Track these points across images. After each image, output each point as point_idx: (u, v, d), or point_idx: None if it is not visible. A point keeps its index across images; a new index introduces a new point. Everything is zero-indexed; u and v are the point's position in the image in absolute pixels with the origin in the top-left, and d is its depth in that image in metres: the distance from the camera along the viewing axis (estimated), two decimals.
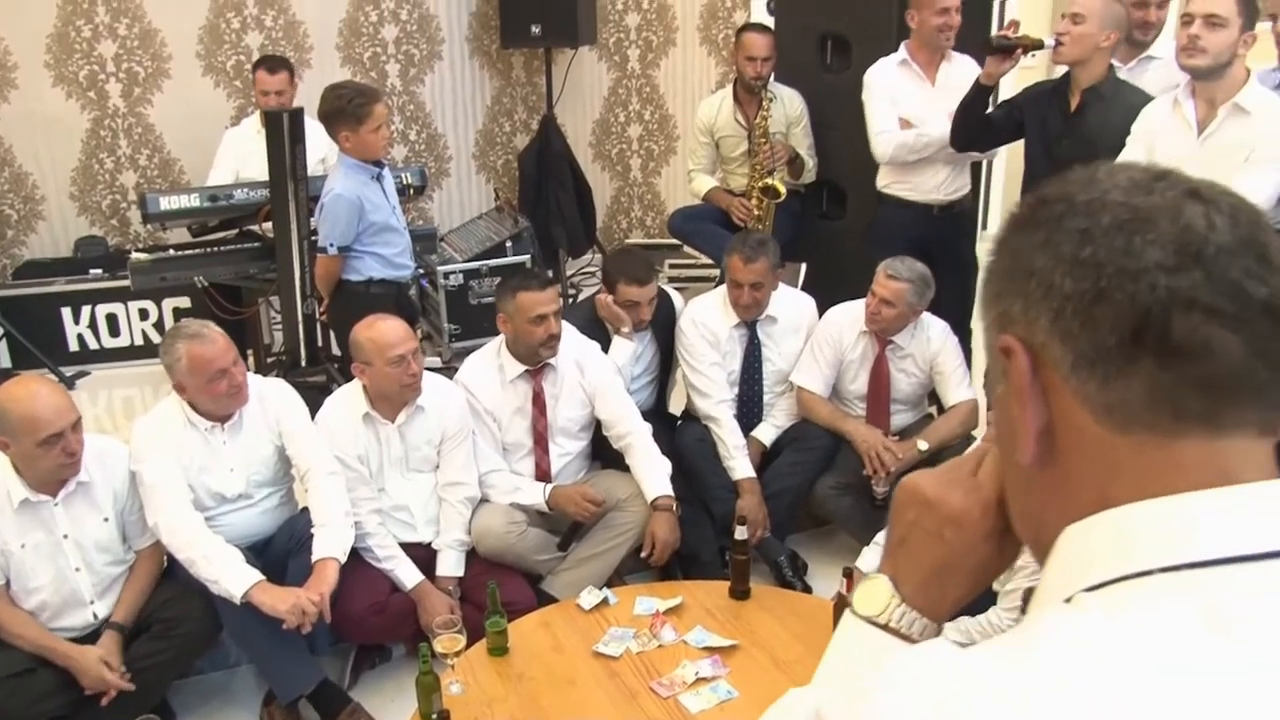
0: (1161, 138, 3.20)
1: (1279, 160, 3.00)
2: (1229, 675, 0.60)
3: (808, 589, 3.69)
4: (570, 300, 5.84)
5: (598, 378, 3.60)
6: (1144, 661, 0.61)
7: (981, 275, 0.80)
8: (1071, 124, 3.63)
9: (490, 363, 3.59)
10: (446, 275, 5.05)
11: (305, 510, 3.25)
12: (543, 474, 3.58)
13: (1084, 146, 3.47)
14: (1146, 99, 3.53)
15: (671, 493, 3.47)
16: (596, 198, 6.59)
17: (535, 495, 3.51)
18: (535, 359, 3.50)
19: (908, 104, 4.21)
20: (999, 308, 0.75)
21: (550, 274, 5.70)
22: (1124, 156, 3.28)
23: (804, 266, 4.95)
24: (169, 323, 5.21)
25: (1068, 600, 0.68)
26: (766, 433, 3.92)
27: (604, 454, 3.76)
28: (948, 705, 0.62)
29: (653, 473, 3.50)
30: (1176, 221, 0.68)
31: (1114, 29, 3.55)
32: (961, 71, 4.16)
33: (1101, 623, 0.64)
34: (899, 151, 4.18)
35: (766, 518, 3.70)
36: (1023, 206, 0.76)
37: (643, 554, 3.42)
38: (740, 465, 3.76)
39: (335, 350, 4.47)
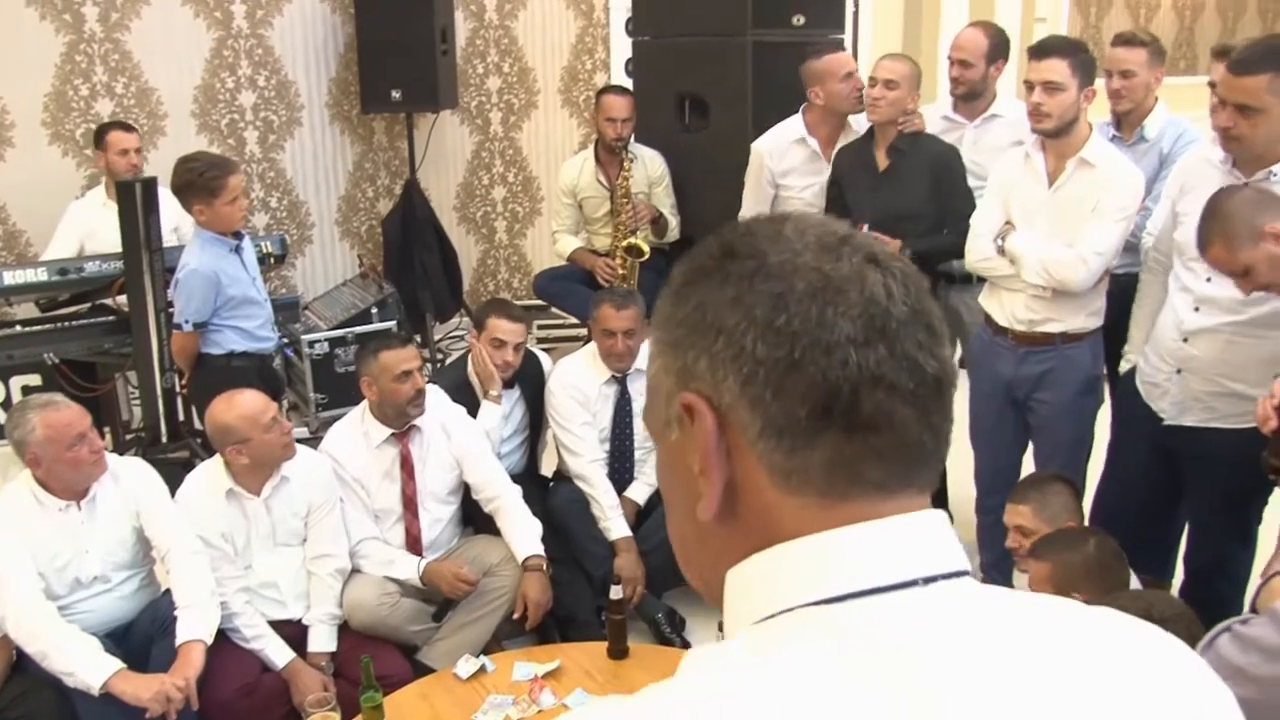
0: (1016, 189, 3.37)
1: (1123, 211, 3.18)
2: (853, 706, 0.63)
3: (686, 644, 3.70)
4: (438, 365, 5.80)
5: (465, 441, 3.58)
6: (775, 691, 0.64)
7: (657, 316, 0.78)
8: (883, 181, 3.86)
9: (355, 429, 3.54)
10: (311, 344, 4.98)
11: (168, 592, 3.13)
12: (413, 540, 3.53)
13: (899, 198, 3.75)
14: (945, 146, 3.84)
15: (542, 553, 3.46)
16: (462, 261, 6.58)
17: (409, 570, 3.45)
18: (403, 419, 3.47)
19: (795, 184, 4.24)
20: (680, 359, 0.74)
21: (418, 339, 5.67)
22: (982, 206, 3.48)
23: None
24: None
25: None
26: (639, 491, 3.94)
27: (476, 519, 3.73)
28: None
29: (523, 534, 3.48)
30: (863, 292, 0.70)
31: (917, 89, 3.85)
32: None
33: (740, 653, 0.68)
34: None
35: (643, 576, 3.71)
36: (707, 255, 0.75)
37: (514, 616, 3.39)
38: (615, 525, 3.77)
39: (198, 425, 4.35)
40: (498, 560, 3.48)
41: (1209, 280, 2.89)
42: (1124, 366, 3.38)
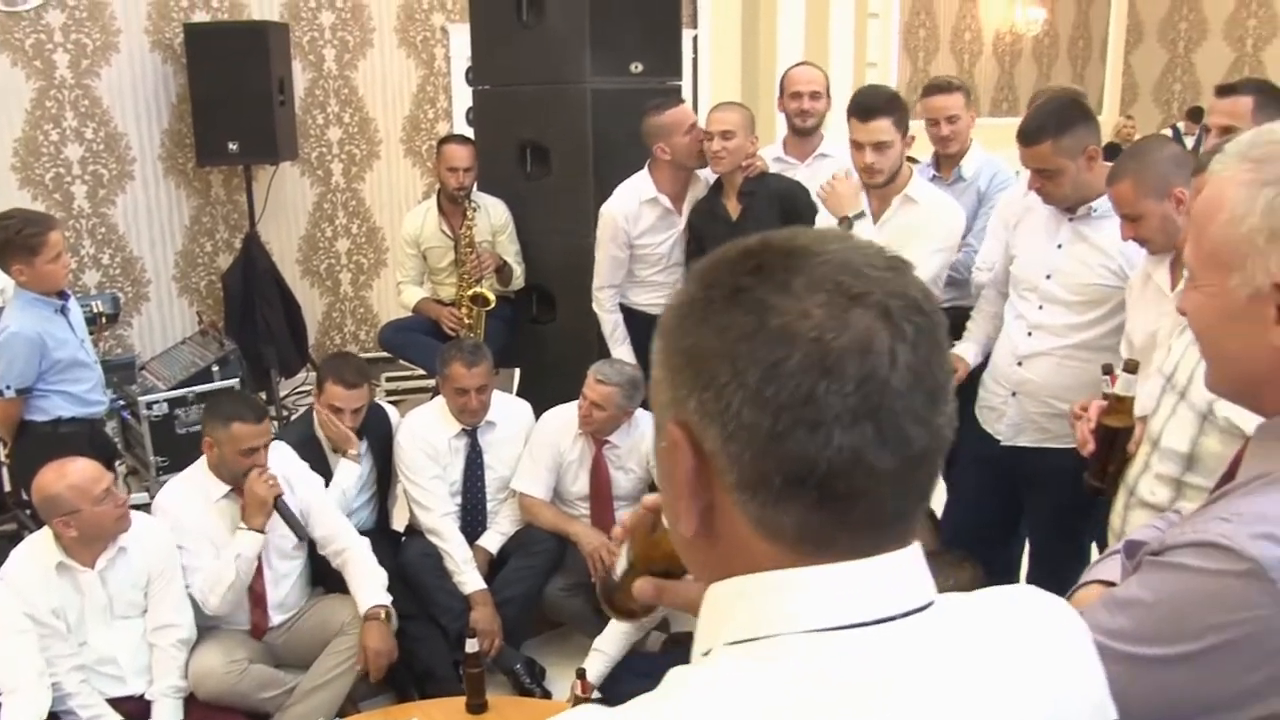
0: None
1: (943, 245, 3.35)
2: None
3: (547, 694, 3.68)
4: (283, 420, 5.66)
5: (308, 495, 3.50)
6: (763, 707, 0.68)
7: (664, 325, 0.78)
8: (738, 229, 3.92)
9: (194, 485, 3.43)
10: (150, 405, 4.80)
11: None
12: (258, 598, 3.42)
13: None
14: (791, 182, 3.98)
15: (386, 603, 3.40)
16: (307, 314, 6.47)
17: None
18: (239, 480, 3.37)
19: (652, 243, 4.24)
20: (674, 389, 0.75)
21: (263, 395, 5.53)
22: None
23: (518, 372, 5.01)
24: None
25: (706, 653, 0.75)
26: (492, 541, 3.92)
27: (327, 579, 3.64)
28: None
29: (366, 585, 3.42)
30: (863, 364, 0.69)
31: (753, 133, 3.96)
32: (706, 185, 4.30)
33: (732, 671, 0.71)
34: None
35: (500, 628, 3.68)
36: (718, 285, 0.74)
37: (358, 669, 3.32)
38: (470, 578, 3.74)
39: (25, 496, 4.14)
40: (348, 619, 3.40)
41: (1041, 308, 3.07)
42: (957, 350, 3.45)
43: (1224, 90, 3.46)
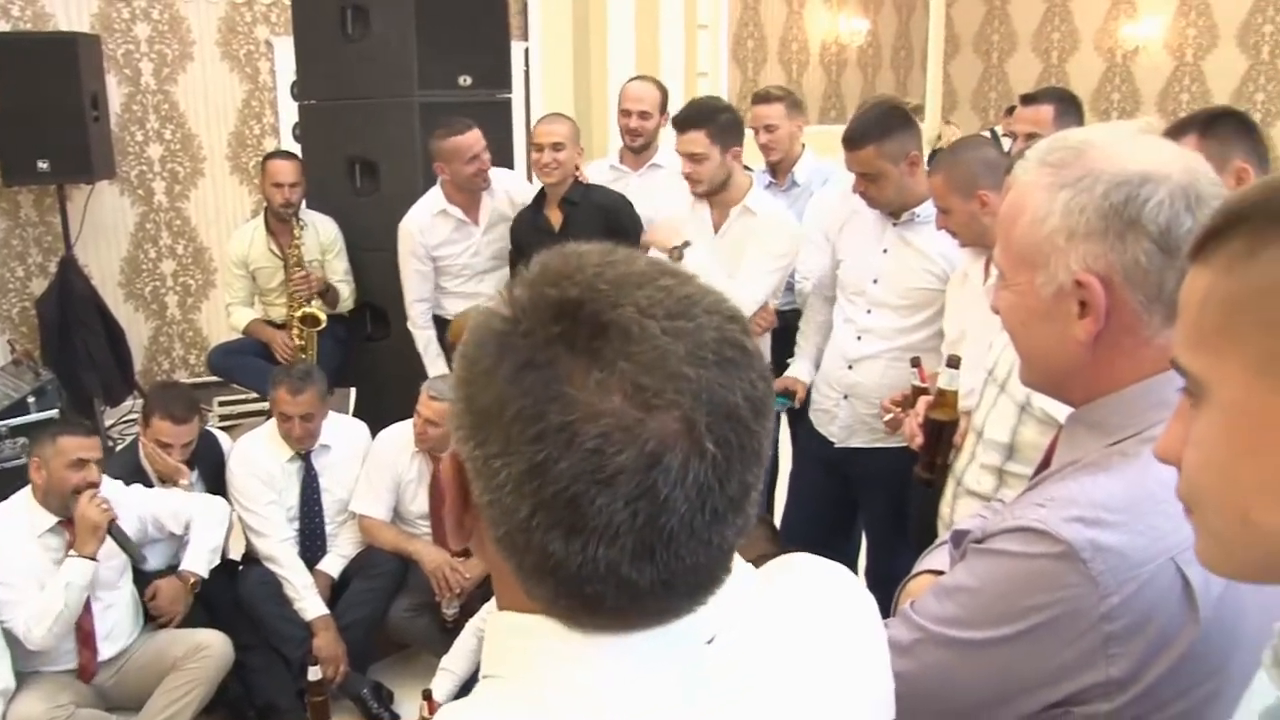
0: (690, 236, 3.55)
1: (780, 259, 3.42)
2: None
3: (395, 718, 3.62)
4: (109, 450, 5.42)
5: (145, 504, 3.40)
6: None
7: (458, 351, 0.73)
8: (561, 239, 3.93)
9: (15, 519, 3.24)
10: None
11: None
12: (85, 634, 3.24)
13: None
14: (615, 196, 4.02)
15: (200, 571, 3.41)
16: (132, 339, 6.19)
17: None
18: (67, 510, 3.21)
19: (451, 255, 4.29)
20: (453, 418, 0.71)
21: (89, 424, 5.28)
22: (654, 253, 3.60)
23: (354, 391, 4.91)
24: None
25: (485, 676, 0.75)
26: (333, 564, 3.83)
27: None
28: None
29: (193, 549, 3.43)
30: (644, 480, 0.64)
31: (579, 145, 4.01)
32: (506, 195, 4.34)
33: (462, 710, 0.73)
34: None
35: (344, 653, 3.60)
36: (522, 343, 0.67)
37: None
38: (310, 604, 3.64)
39: None
40: (181, 653, 3.28)
41: (869, 312, 3.17)
42: (791, 372, 3.54)
43: (1027, 99, 3.65)
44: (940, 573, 1.35)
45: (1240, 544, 0.74)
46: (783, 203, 4.16)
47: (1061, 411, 2.01)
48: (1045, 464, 1.33)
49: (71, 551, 3.14)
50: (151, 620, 3.49)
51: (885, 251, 3.15)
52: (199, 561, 3.38)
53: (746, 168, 3.75)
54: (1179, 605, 1.05)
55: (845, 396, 3.26)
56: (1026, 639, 1.08)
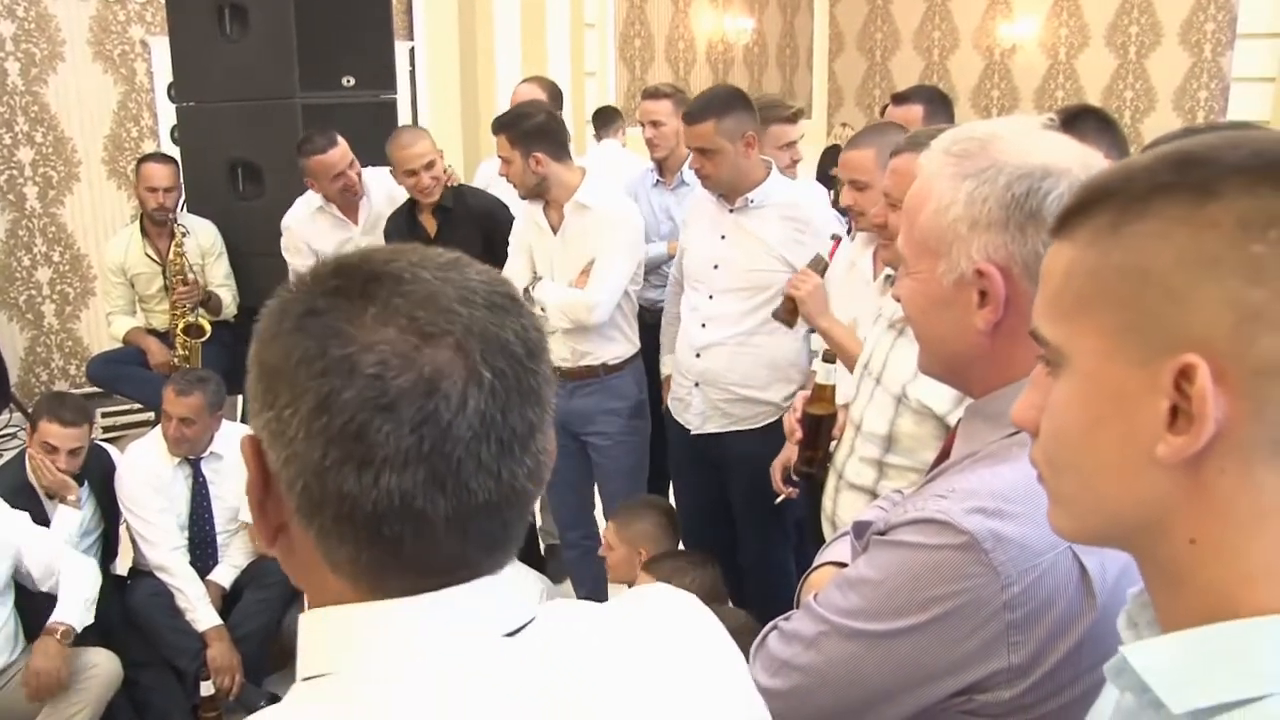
0: (534, 242, 3.57)
1: (623, 246, 3.43)
2: None
3: None
4: None
5: (14, 530, 3.25)
6: None
7: (252, 342, 0.74)
8: (437, 244, 3.90)
9: None
10: None
11: None
12: None
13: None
14: (491, 201, 4.01)
15: (70, 622, 3.17)
16: (7, 351, 5.96)
17: None
18: None
19: (333, 248, 4.21)
20: (250, 395, 0.72)
21: None
22: (508, 265, 3.60)
23: (241, 399, 4.81)
24: None
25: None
26: (225, 574, 3.74)
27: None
28: None
29: (64, 600, 3.20)
30: (424, 407, 0.67)
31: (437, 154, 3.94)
32: (385, 195, 4.27)
33: (291, 712, 0.72)
34: None
35: (239, 664, 3.53)
36: (297, 303, 0.71)
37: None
38: (204, 614, 3.56)
39: None
40: (70, 672, 3.18)
41: (711, 298, 3.24)
42: (664, 370, 3.62)
43: (898, 99, 3.73)
44: (842, 565, 1.35)
45: (1086, 509, 0.78)
46: (670, 201, 4.21)
47: (938, 402, 2.09)
48: (945, 455, 1.34)
49: None
50: (32, 640, 3.38)
51: (723, 238, 3.23)
52: (72, 612, 3.19)
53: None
54: (1076, 592, 1.07)
55: (696, 384, 3.33)
56: (931, 629, 1.10)
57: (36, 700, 3.12)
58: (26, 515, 3.35)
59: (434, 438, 0.67)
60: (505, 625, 0.74)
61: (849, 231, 3.00)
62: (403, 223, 4.06)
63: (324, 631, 0.73)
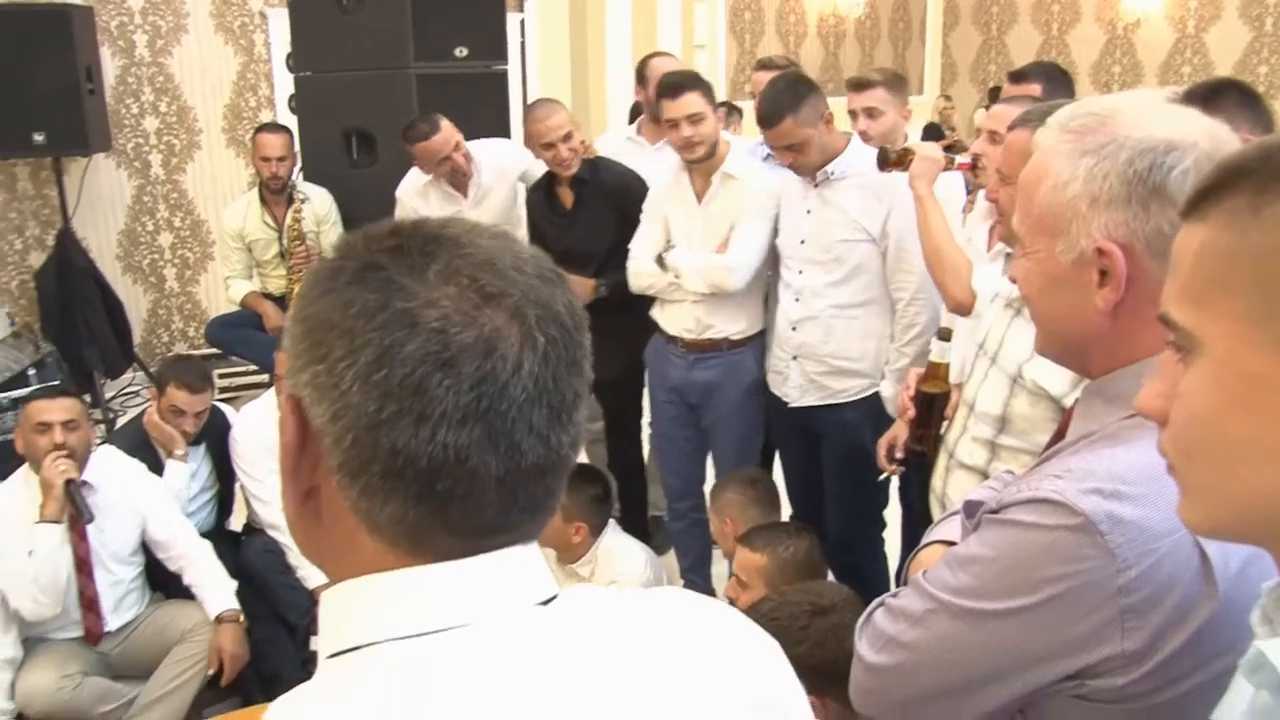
0: (670, 210, 3.58)
1: (762, 213, 3.42)
2: None
3: None
4: (111, 424, 5.44)
5: (147, 495, 3.39)
6: None
7: (293, 301, 0.75)
8: (571, 219, 3.98)
9: (15, 494, 3.26)
10: None
11: None
12: (89, 602, 3.26)
13: (589, 235, 3.87)
14: (627, 175, 3.97)
15: (236, 606, 3.34)
16: (131, 312, 6.21)
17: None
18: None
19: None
20: (292, 355, 0.71)
21: (87, 398, 5.28)
22: (640, 232, 3.63)
23: None
24: None
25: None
26: None
27: (167, 585, 3.52)
28: None
29: (214, 588, 3.35)
30: (482, 366, 0.67)
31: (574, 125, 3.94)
32: (494, 169, 4.33)
33: (318, 692, 0.70)
34: None
35: None
36: (353, 256, 0.71)
37: (210, 672, 3.24)
38: (313, 572, 3.64)
39: None
40: (190, 625, 3.30)
41: (801, 272, 3.27)
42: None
43: (1015, 76, 3.63)
44: (951, 543, 1.33)
45: (1220, 499, 0.75)
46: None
47: (1054, 384, 2.05)
48: (1060, 435, 1.31)
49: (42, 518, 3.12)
50: (159, 592, 3.52)
51: (809, 212, 3.25)
52: (229, 596, 3.36)
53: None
54: (1196, 579, 1.04)
55: (794, 357, 3.35)
56: (1042, 610, 1.07)
57: (228, 683, 3.30)
58: (159, 482, 3.50)
59: (491, 396, 0.67)
60: (538, 595, 0.74)
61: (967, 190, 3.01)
62: (541, 196, 4.09)
63: (361, 602, 0.72)
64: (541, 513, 0.74)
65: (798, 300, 3.29)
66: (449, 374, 0.66)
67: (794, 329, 3.32)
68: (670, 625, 0.79)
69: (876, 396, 3.23)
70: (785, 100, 3.10)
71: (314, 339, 0.69)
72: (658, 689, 0.73)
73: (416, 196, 4.31)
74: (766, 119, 3.13)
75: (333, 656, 0.72)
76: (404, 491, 0.68)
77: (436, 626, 0.70)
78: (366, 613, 0.71)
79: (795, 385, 3.37)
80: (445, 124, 4.11)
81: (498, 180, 4.32)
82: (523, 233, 4.17)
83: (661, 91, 3.50)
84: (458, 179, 4.24)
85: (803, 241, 3.27)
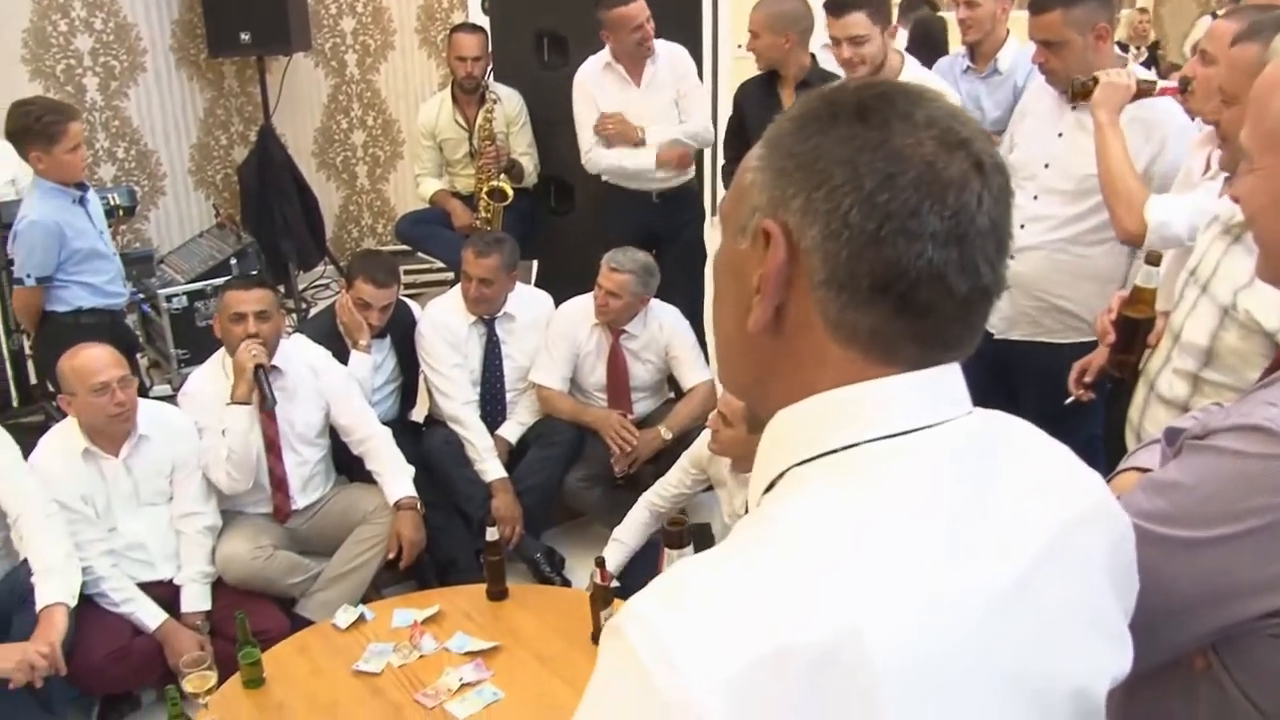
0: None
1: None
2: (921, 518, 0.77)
3: (566, 583, 3.74)
4: (303, 314, 5.68)
5: (332, 381, 3.53)
6: (861, 513, 0.76)
7: (771, 134, 0.83)
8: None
9: (214, 375, 3.45)
10: (169, 298, 4.82)
11: (26, 561, 3.02)
12: (279, 481, 3.45)
13: None
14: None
15: (414, 493, 3.46)
16: (324, 208, 6.43)
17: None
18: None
19: (612, 108, 4.32)
20: (778, 188, 0.80)
21: (282, 289, 5.53)
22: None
23: (536, 264, 4.99)
24: None
25: (781, 475, 0.82)
26: (512, 430, 3.94)
27: (350, 469, 3.68)
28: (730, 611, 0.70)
29: (394, 475, 3.48)
30: (959, 198, 0.76)
31: (790, 30, 3.82)
32: (669, 64, 4.32)
33: (823, 489, 0.78)
34: (610, 175, 4.37)
35: (520, 516, 3.73)
36: (842, 103, 0.80)
37: (389, 555, 3.39)
38: (491, 466, 3.77)
39: (50, 387, 4.18)
40: (371, 508, 3.46)
41: (1036, 198, 3.02)
42: None
43: None
44: (1148, 470, 1.26)
45: None
46: (980, 90, 3.98)
47: (1268, 317, 1.89)
48: (1276, 365, 1.23)
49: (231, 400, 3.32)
50: (343, 475, 3.69)
51: (1060, 135, 2.99)
52: (409, 484, 3.49)
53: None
54: None
55: (1009, 286, 3.12)
56: (1244, 542, 1.01)
57: (406, 567, 3.45)
58: (344, 370, 3.62)
59: (965, 225, 0.76)
60: (968, 406, 0.85)
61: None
62: (758, 90, 4.05)
63: (837, 410, 0.80)
64: (976, 335, 0.83)
65: (1023, 227, 3.01)
66: (936, 201, 0.75)
67: (1012, 257, 3.10)
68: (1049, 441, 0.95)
69: (1087, 345, 2.84)
70: None
71: (809, 170, 0.78)
72: (1070, 484, 0.92)
73: (593, 79, 4.34)
74: (1036, 3, 2.89)
75: (806, 462, 0.80)
76: (886, 303, 0.77)
77: (920, 424, 0.79)
78: (843, 418, 0.80)
79: (1004, 315, 3.14)
80: None
81: (669, 74, 4.30)
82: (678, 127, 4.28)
83: (826, 7, 3.41)
84: (643, 53, 4.24)
85: (1047, 165, 3.01)
